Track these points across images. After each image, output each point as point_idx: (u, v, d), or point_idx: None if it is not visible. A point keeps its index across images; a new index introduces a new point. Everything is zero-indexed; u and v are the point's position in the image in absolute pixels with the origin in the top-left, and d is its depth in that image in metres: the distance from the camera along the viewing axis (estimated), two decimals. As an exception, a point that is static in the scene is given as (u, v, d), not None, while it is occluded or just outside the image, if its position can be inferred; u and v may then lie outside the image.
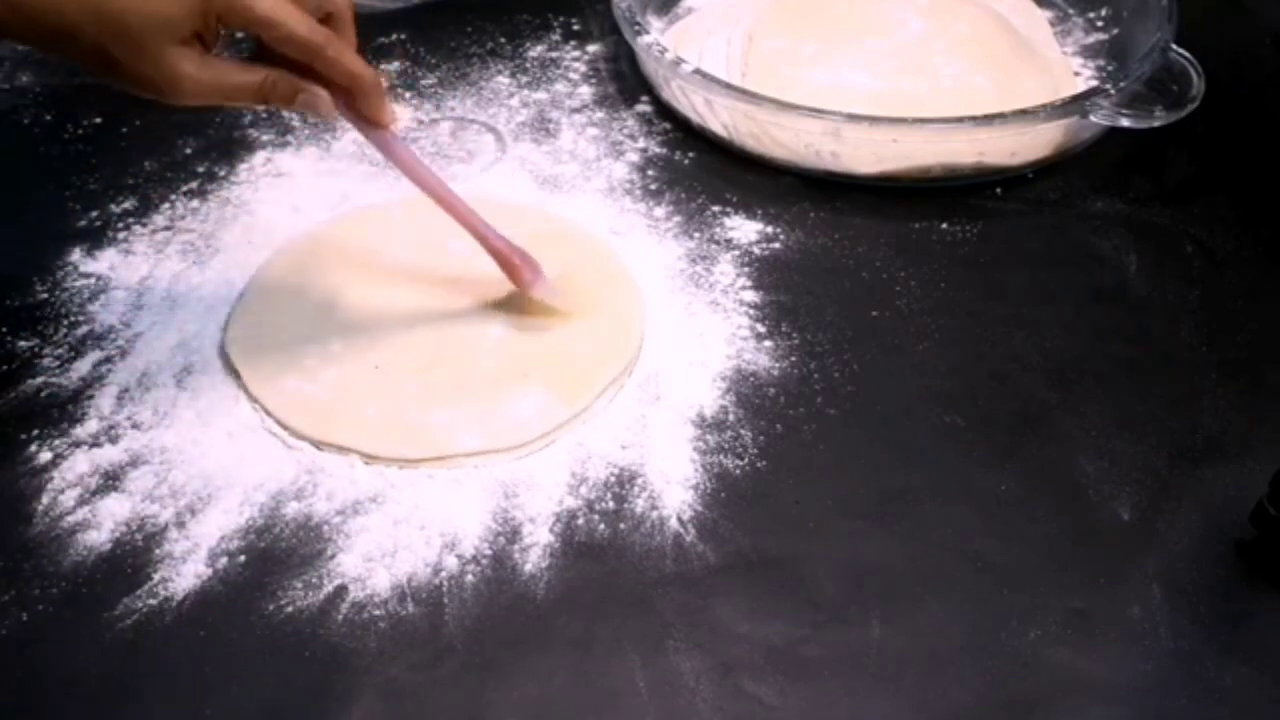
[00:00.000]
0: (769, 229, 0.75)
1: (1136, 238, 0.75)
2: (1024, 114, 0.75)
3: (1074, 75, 0.88)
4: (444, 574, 0.55)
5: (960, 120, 0.74)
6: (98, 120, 0.83)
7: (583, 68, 0.90)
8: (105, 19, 0.49)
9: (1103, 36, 0.93)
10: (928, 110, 0.75)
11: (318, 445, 0.60)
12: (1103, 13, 0.94)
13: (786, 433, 0.62)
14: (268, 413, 0.62)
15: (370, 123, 0.57)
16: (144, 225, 0.74)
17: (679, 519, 0.57)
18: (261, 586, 0.54)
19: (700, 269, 0.72)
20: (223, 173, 0.78)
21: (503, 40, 0.93)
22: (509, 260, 0.64)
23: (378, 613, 0.53)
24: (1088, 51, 0.92)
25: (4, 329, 0.67)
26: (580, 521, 0.57)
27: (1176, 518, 0.58)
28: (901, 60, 0.83)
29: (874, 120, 0.74)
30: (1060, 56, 0.89)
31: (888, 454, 0.61)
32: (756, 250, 0.73)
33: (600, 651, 0.52)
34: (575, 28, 0.94)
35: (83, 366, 0.65)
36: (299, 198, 0.77)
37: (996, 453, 0.61)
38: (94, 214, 0.75)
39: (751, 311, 0.69)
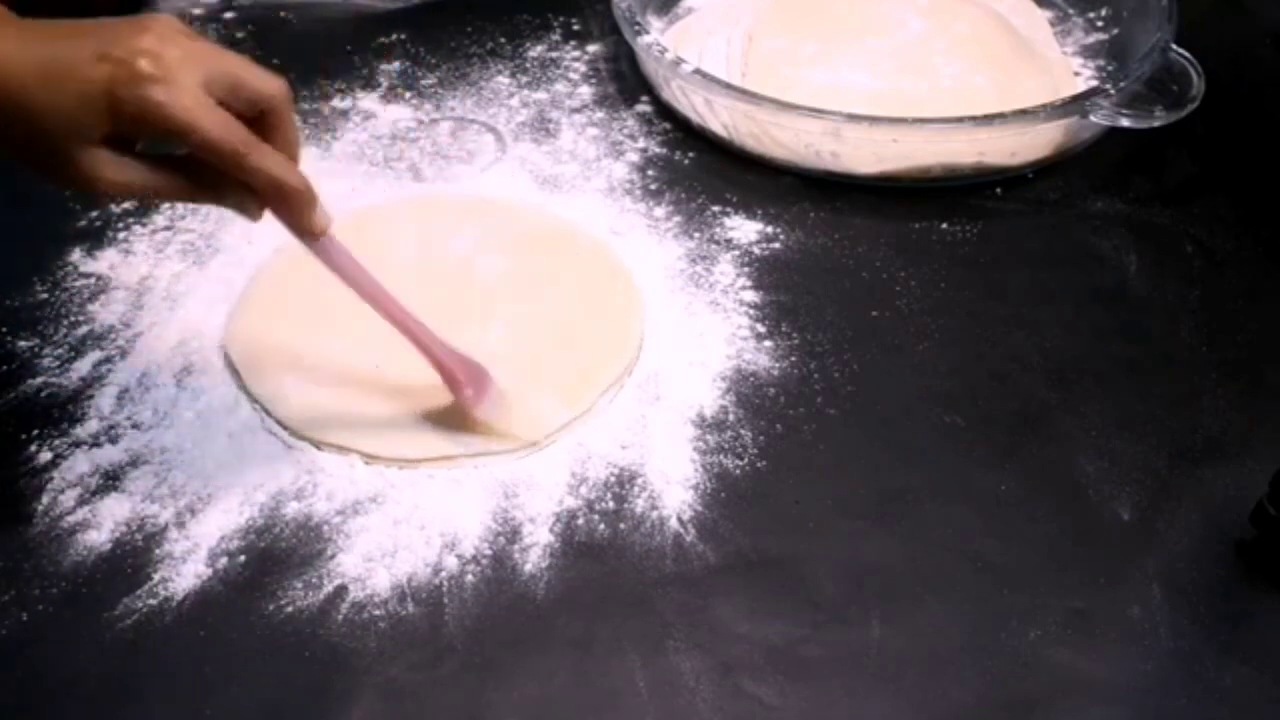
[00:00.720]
0: (769, 229, 0.75)
1: (1136, 238, 0.75)
2: (1024, 114, 0.75)
3: (1074, 75, 0.88)
4: (444, 574, 0.55)
5: (960, 120, 0.74)
6: (98, 120, 0.83)
7: (583, 68, 0.90)
8: (19, 116, 0.46)
9: (1103, 36, 0.93)
10: (928, 110, 0.75)
11: (318, 445, 0.60)
12: (1103, 13, 0.94)
13: (786, 433, 0.62)
14: (268, 413, 0.62)
15: (299, 232, 0.53)
16: (144, 225, 0.74)
17: (679, 519, 0.57)
18: (261, 586, 0.54)
19: (700, 269, 0.72)
20: (223, 173, 0.78)
21: (503, 40, 0.93)
22: (452, 376, 0.59)
23: (378, 613, 0.53)
24: (1088, 51, 0.92)
25: (4, 329, 0.67)
26: (580, 521, 0.57)
27: (1176, 518, 0.58)
28: (901, 60, 0.83)
29: (874, 120, 0.74)
30: (1060, 56, 0.89)
31: (888, 454, 0.61)
32: (756, 250, 0.73)
33: (600, 651, 0.52)
34: (575, 28, 0.94)
35: (83, 366, 0.65)
36: (299, 198, 0.77)
37: (996, 453, 0.61)
38: (94, 214, 0.75)
39: (751, 311, 0.69)
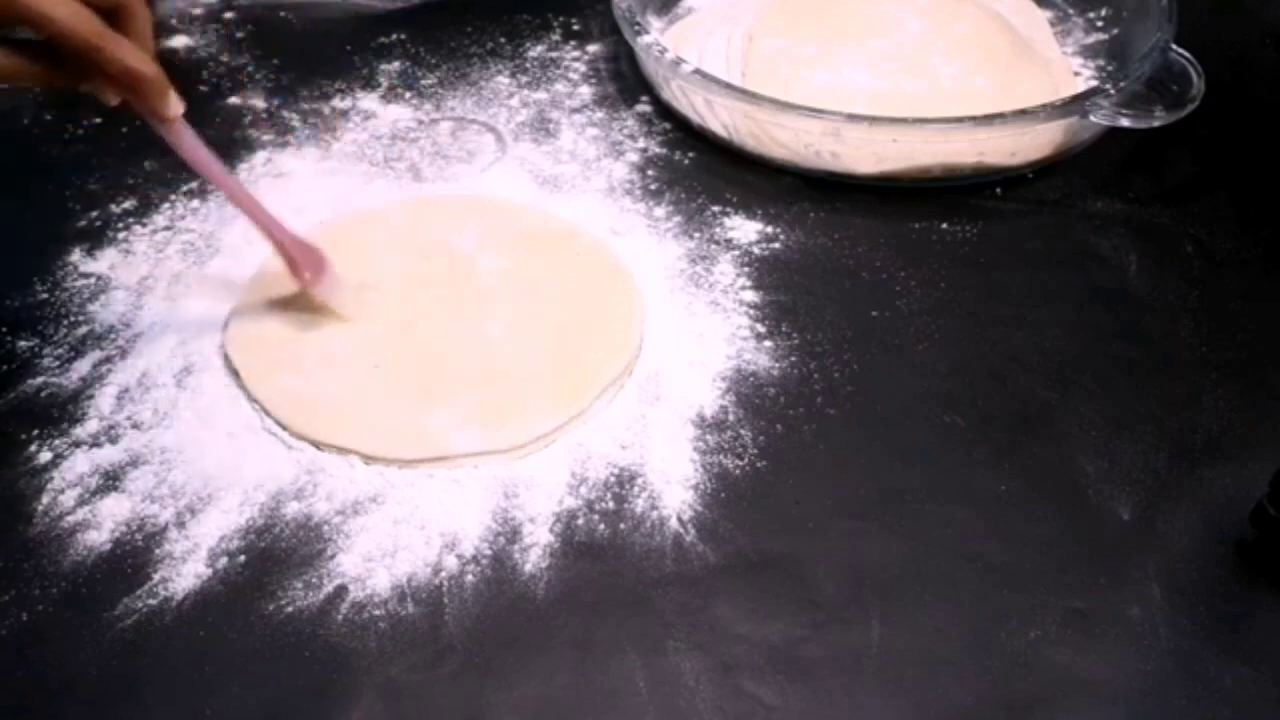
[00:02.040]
0: (769, 229, 0.75)
1: (1136, 238, 0.75)
2: (1024, 114, 0.75)
3: (1074, 75, 0.88)
4: (444, 574, 0.55)
5: (960, 120, 0.74)
6: (97, 120, 0.83)
7: (583, 68, 0.90)
8: None
9: (1103, 36, 0.93)
10: (928, 110, 0.75)
11: (318, 445, 0.60)
12: (1103, 13, 0.94)
13: (786, 433, 0.62)
14: (268, 413, 0.62)
15: (152, 116, 0.57)
16: (144, 225, 0.74)
17: (679, 519, 0.57)
18: (261, 586, 0.54)
19: (700, 269, 0.72)
20: (223, 173, 0.78)
21: (503, 40, 0.93)
22: (289, 256, 0.64)
23: (378, 613, 0.53)
24: (1088, 51, 0.92)
25: (4, 329, 0.67)
26: (580, 521, 0.57)
27: (1176, 518, 0.58)
28: (901, 60, 0.83)
29: (874, 120, 0.74)
30: (1060, 56, 0.89)
31: (888, 454, 0.61)
32: (756, 250, 0.73)
33: (600, 651, 0.52)
34: (575, 28, 0.94)
35: (83, 366, 0.65)
36: (299, 198, 0.77)
37: (996, 453, 0.61)
38: (94, 214, 0.75)
39: (751, 311, 0.69)
